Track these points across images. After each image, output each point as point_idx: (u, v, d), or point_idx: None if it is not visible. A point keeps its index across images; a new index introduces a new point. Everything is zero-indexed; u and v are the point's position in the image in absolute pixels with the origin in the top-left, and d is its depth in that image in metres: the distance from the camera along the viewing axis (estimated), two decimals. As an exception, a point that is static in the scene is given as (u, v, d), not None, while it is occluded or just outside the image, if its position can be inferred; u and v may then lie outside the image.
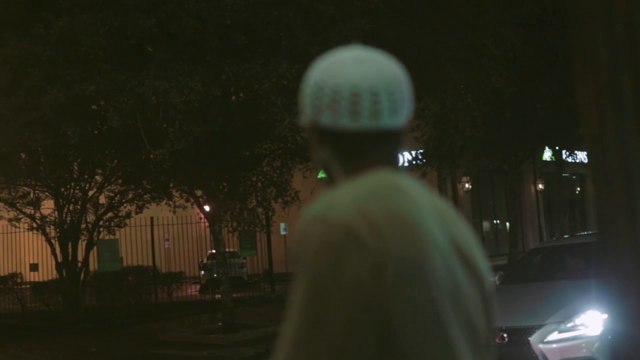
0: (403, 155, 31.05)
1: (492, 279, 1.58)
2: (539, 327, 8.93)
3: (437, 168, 27.63)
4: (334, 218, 1.48)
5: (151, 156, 16.62)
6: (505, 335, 8.94)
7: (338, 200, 1.53)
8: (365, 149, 1.66)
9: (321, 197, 1.56)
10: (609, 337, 2.05)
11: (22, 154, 18.54)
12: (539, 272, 11.52)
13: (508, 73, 18.17)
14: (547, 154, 33.42)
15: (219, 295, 19.19)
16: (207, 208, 18.06)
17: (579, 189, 41.64)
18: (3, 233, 24.56)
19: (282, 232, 29.82)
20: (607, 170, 1.78)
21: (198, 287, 29.11)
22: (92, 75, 13.07)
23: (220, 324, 17.58)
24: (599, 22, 1.60)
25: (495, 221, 37.40)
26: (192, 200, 20.79)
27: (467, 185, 32.85)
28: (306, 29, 13.87)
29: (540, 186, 37.14)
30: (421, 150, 26.99)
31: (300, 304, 1.46)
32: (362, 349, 1.42)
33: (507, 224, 32.22)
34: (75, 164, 20.39)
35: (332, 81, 1.66)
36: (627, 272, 1.76)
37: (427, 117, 23.40)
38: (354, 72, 1.67)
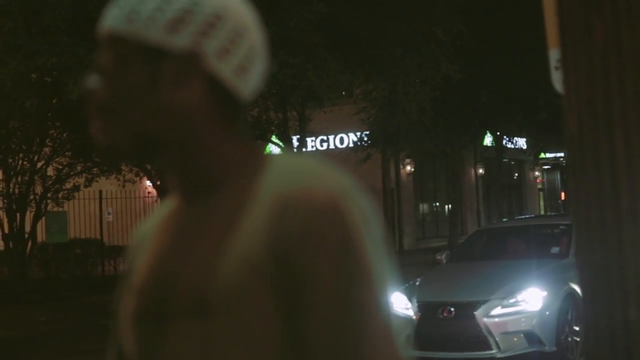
0: (349, 136, 31.67)
1: None
2: (484, 302, 9.47)
3: (381, 150, 28.21)
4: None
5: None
6: (452, 309, 9.49)
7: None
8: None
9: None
10: (585, 315, 2.31)
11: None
12: (484, 251, 12.13)
13: (456, 59, 18.75)
14: (488, 139, 34.28)
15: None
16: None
17: (517, 174, 42.68)
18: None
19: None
20: (583, 165, 2.15)
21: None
22: (53, 48, 13.24)
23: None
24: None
25: (435, 204, 38.18)
26: (141, 175, 20.99)
27: (409, 168, 33.50)
28: (264, 9, 14.19)
29: (481, 170, 38.03)
30: (367, 132, 27.54)
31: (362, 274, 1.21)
32: None
33: (447, 206, 33.04)
34: (25, 135, 20.41)
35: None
36: (607, 242, 2.12)
37: (374, 99, 23.91)
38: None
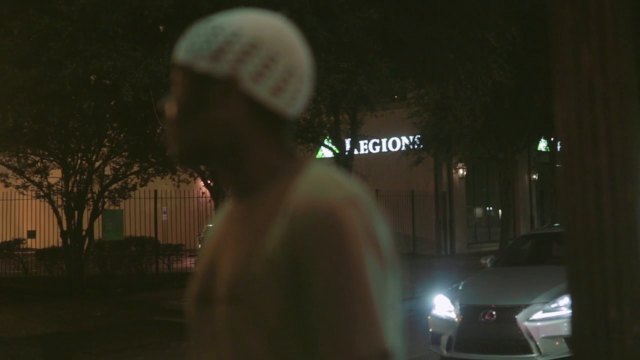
0: (401, 139, 31.76)
1: None
2: (526, 306, 9.58)
3: (433, 154, 28.28)
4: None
5: (158, 130, 17.24)
6: (494, 312, 9.63)
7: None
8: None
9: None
10: (571, 314, 2.50)
11: (33, 124, 19.08)
12: (528, 256, 12.22)
13: (508, 65, 18.78)
14: (543, 144, 34.07)
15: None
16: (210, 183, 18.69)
17: (571, 180, 42.15)
18: (2, 200, 25.21)
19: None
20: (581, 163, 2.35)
21: (194, 259, 29.65)
22: (110, 52, 13.66)
23: (219, 295, 18.18)
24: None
25: (488, 208, 38.04)
26: (195, 175, 21.41)
27: (461, 172, 33.45)
28: (315, 15, 14.45)
29: (534, 176, 37.77)
30: (419, 136, 27.64)
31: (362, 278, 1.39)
32: None
33: (500, 211, 32.91)
34: (84, 135, 20.95)
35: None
36: (590, 249, 2.33)
37: (426, 103, 24.02)
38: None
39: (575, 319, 2.33)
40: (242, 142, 1.56)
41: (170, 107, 1.61)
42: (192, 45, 1.57)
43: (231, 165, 1.59)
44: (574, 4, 2.25)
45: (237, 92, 1.55)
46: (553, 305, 9.60)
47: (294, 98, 1.58)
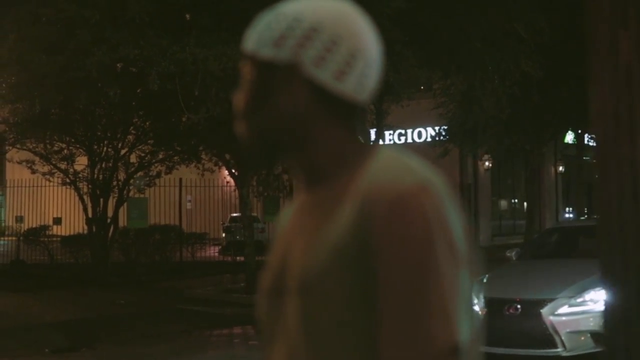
0: (427, 130, 31.61)
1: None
2: (551, 300, 9.48)
3: (459, 145, 28.11)
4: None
5: (183, 119, 17.23)
6: (519, 306, 9.53)
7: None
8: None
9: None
10: (604, 307, 2.42)
11: (60, 111, 19.16)
12: (554, 250, 12.08)
13: (536, 56, 18.58)
14: (570, 137, 33.79)
15: (241, 257, 19.85)
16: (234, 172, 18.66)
17: (598, 173, 41.88)
18: (29, 187, 25.38)
19: (303, 200, 30.39)
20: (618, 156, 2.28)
21: (218, 248, 29.76)
22: (137, 40, 13.66)
23: (242, 284, 18.24)
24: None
25: (513, 200, 37.82)
26: (220, 164, 21.41)
27: (487, 164, 33.26)
28: (343, 4, 14.34)
29: (561, 168, 37.49)
30: (445, 127, 27.48)
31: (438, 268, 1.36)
32: None
33: (525, 203, 32.72)
34: (110, 123, 21.03)
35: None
36: (627, 240, 2.27)
37: (452, 94, 23.84)
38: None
39: (609, 313, 2.25)
40: (308, 129, 1.54)
41: (238, 99, 1.59)
42: (257, 34, 1.55)
43: (299, 154, 1.56)
44: (611, -12, 2.16)
45: (300, 78, 1.52)
46: (579, 300, 9.49)
47: (361, 83, 1.54)
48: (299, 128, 1.54)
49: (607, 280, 2.22)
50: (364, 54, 1.54)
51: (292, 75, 1.52)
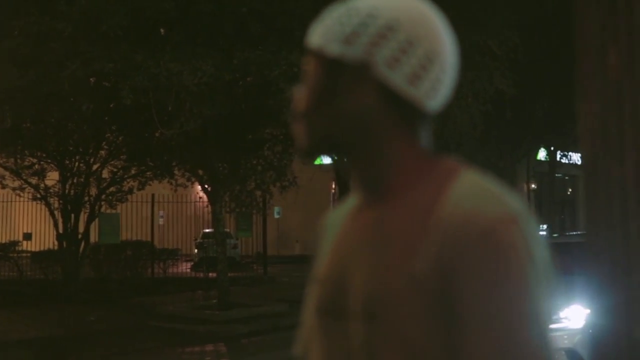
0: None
1: None
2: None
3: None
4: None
5: (157, 134, 17.11)
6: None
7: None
8: None
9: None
10: (590, 330, 2.37)
11: (31, 125, 18.97)
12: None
13: (510, 73, 18.68)
14: (542, 154, 34.03)
15: (213, 274, 19.75)
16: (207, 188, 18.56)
17: (570, 189, 42.24)
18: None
19: (276, 216, 30.39)
20: (603, 167, 2.23)
21: (190, 264, 29.57)
22: (111, 54, 13.54)
23: (215, 300, 18.10)
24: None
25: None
26: (192, 179, 21.29)
27: (461, 180, 33.30)
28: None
29: (533, 185, 37.72)
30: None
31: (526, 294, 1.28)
32: None
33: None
34: (82, 138, 20.84)
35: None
36: (616, 262, 2.21)
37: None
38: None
39: (597, 336, 2.20)
40: (374, 135, 1.42)
41: (299, 98, 1.48)
42: (325, 28, 1.44)
43: (362, 162, 1.45)
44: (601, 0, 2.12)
45: (371, 79, 1.41)
46: (554, 317, 9.47)
47: (434, 88, 1.43)
48: (364, 134, 1.43)
49: (596, 300, 2.16)
50: (440, 57, 1.43)
51: (361, 76, 1.41)
